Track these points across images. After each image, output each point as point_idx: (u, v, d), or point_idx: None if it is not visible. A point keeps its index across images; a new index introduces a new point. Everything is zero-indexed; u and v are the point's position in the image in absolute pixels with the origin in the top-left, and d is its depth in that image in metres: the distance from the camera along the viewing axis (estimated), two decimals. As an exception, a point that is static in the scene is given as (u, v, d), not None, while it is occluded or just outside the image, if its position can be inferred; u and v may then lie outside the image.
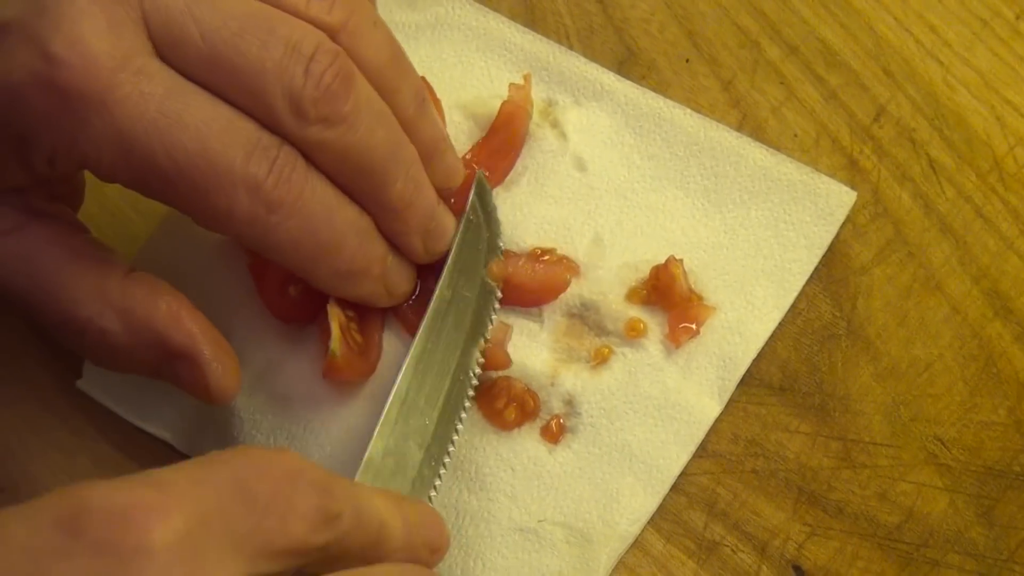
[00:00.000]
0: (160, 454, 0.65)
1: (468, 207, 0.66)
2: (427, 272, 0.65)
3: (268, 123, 0.56)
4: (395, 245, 0.63)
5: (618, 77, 0.72)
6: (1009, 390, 0.67)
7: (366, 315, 0.65)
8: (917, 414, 0.66)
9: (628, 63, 0.73)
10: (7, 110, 0.54)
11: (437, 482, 0.62)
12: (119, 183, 0.57)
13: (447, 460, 0.62)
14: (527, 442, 0.65)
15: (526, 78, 0.70)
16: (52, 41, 0.52)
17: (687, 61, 0.73)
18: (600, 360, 0.66)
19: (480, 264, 0.66)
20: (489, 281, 0.66)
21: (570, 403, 0.65)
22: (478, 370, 0.64)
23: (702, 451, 0.65)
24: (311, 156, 0.58)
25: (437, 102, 0.69)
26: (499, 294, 0.66)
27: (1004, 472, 0.65)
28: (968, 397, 0.67)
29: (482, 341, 0.65)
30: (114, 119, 0.53)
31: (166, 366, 0.60)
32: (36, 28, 0.53)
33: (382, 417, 0.60)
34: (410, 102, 0.62)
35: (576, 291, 0.67)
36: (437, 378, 0.63)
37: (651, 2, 0.75)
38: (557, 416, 0.65)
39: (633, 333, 0.66)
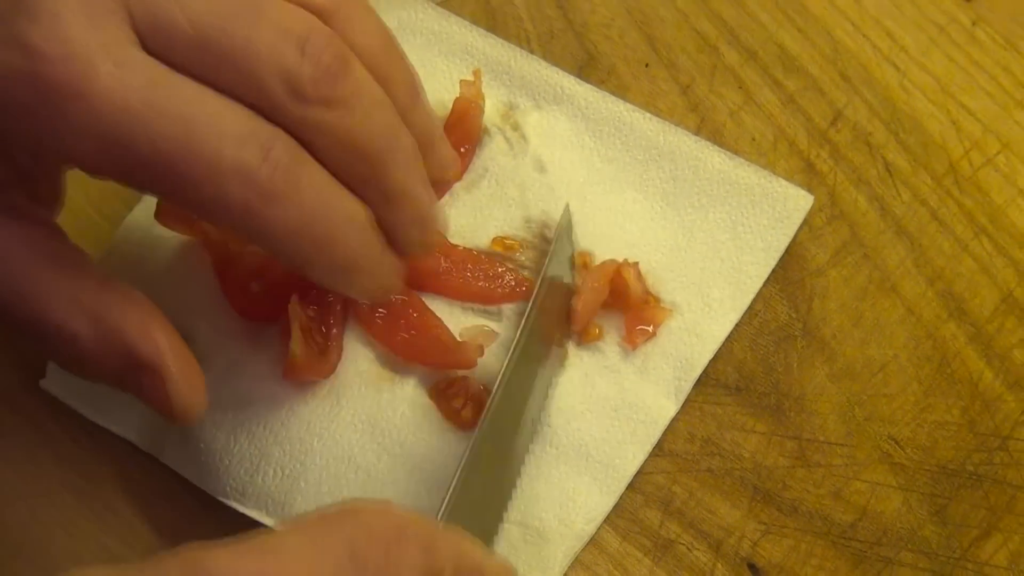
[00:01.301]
0: (123, 453, 0.66)
1: (555, 245, 0.66)
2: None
3: (263, 108, 0.55)
4: (389, 237, 0.60)
5: (578, 81, 0.72)
6: (963, 390, 0.67)
7: (327, 315, 0.65)
8: (871, 414, 0.67)
9: (588, 67, 0.74)
10: None
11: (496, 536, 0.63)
12: (106, 177, 0.55)
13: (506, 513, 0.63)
14: None
15: (476, 74, 0.71)
16: (31, 34, 0.51)
17: (646, 66, 0.74)
18: (559, 363, 0.67)
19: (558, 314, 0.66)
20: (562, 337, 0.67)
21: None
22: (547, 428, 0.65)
23: (658, 450, 0.66)
24: (308, 142, 0.56)
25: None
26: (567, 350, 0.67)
27: (957, 471, 0.66)
28: (922, 397, 0.67)
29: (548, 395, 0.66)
30: (96, 111, 0.52)
31: (131, 377, 0.58)
32: (14, 21, 0.52)
33: (466, 458, 0.60)
34: (404, 91, 0.60)
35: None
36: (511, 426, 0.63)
37: (611, 7, 0.75)
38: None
39: (588, 337, 0.67)
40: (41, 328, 0.57)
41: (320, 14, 0.56)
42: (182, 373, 0.58)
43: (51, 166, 0.57)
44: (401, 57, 0.61)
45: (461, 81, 0.71)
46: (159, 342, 0.57)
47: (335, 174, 0.57)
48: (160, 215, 0.66)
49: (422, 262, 0.66)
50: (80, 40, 0.52)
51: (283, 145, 0.54)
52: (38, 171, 0.57)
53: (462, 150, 0.70)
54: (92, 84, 0.52)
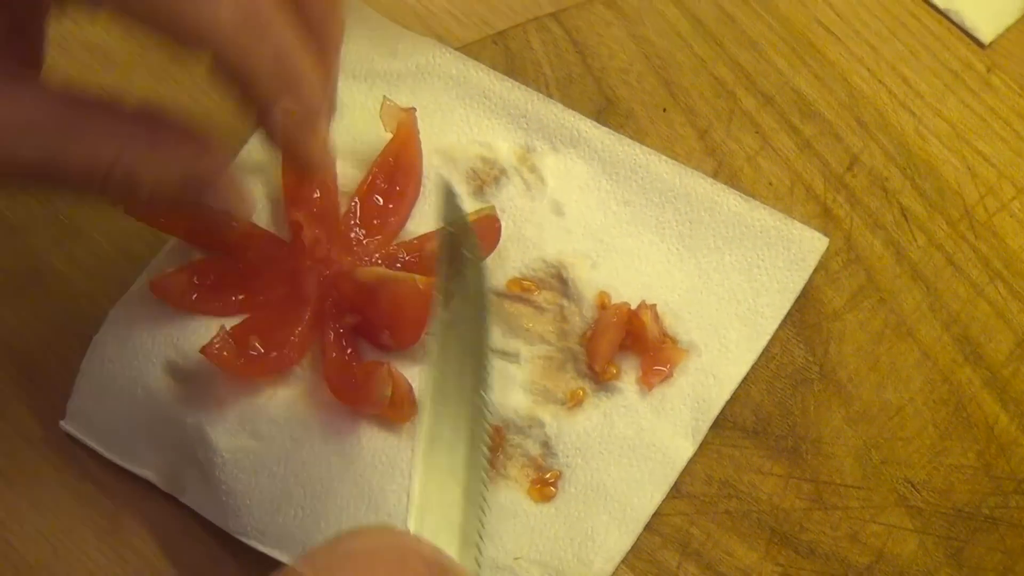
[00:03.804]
0: (145, 494, 0.66)
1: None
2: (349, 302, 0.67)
3: None
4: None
5: (595, 124, 0.73)
6: (978, 434, 0.69)
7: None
8: (888, 457, 0.68)
9: (606, 112, 0.75)
10: None
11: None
12: (104, 6, 0.53)
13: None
14: (504, 481, 0.66)
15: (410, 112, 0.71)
16: None
17: (664, 110, 0.76)
18: (576, 402, 0.67)
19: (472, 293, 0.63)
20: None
21: (546, 444, 0.66)
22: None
23: (676, 492, 0.66)
24: None
25: None
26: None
27: (973, 514, 0.67)
28: (938, 440, 0.68)
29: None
30: None
31: (194, 190, 0.57)
32: None
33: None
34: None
35: (552, 334, 0.69)
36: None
37: (629, 53, 0.77)
38: (547, 473, 0.66)
39: (606, 376, 0.68)
40: (97, 168, 0.56)
41: None
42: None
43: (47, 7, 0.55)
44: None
45: (402, 109, 0.71)
46: (219, 154, 0.57)
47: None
48: (157, 288, 0.67)
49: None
50: None
51: None
52: (27, 24, 0.57)
53: (396, 188, 0.71)
54: None
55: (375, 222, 0.70)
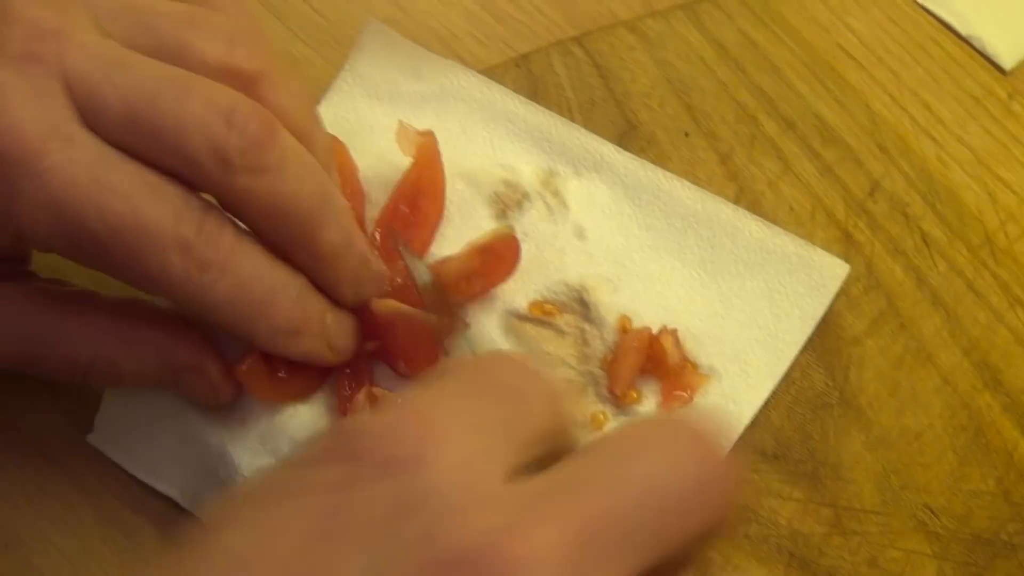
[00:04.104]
0: (165, 511, 0.67)
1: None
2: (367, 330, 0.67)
3: (193, 179, 0.57)
4: (321, 289, 0.63)
5: (618, 149, 0.74)
6: (998, 460, 0.69)
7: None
8: (907, 482, 0.68)
9: (628, 136, 0.75)
10: None
11: None
12: (56, 251, 0.58)
13: None
14: None
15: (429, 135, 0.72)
16: None
17: (686, 135, 0.76)
18: (596, 426, 0.68)
19: None
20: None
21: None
22: None
23: None
24: (240, 211, 0.59)
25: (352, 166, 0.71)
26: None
27: (992, 541, 0.67)
28: (957, 466, 0.69)
29: None
30: (46, 185, 0.54)
31: (171, 378, 0.63)
32: None
33: None
34: (324, 154, 0.63)
35: (573, 358, 0.69)
36: None
37: (652, 77, 0.78)
38: None
39: (627, 400, 0.68)
40: (78, 365, 0.61)
41: (249, 76, 0.59)
42: (217, 365, 0.63)
43: (3, 241, 0.58)
44: (319, 119, 0.64)
45: (419, 133, 0.72)
46: (196, 345, 0.63)
47: (270, 242, 0.60)
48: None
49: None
50: (29, 117, 0.54)
51: (214, 218, 0.58)
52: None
53: (419, 213, 0.71)
54: (43, 160, 0.54)
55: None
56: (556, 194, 0.73)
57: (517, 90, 0.76)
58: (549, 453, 0.47)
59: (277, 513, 0.44)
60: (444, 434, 0.44)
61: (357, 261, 0.63)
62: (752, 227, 0.72)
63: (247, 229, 0.60)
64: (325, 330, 0.63)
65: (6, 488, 0.67)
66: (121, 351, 0.62)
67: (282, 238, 0.60)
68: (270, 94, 0.60)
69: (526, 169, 0.74)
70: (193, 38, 0.59)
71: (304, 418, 0.67)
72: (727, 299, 0.71)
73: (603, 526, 0.43)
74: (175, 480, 0.67)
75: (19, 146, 0.54)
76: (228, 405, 0.65)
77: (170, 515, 0.67)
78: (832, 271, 0.72)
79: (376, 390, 0.65)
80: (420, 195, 0.71)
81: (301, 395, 0.67)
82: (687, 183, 0.73)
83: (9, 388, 0.68)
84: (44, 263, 0.65)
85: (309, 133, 0.62)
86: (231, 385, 0.65)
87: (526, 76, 0.77)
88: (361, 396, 0.65)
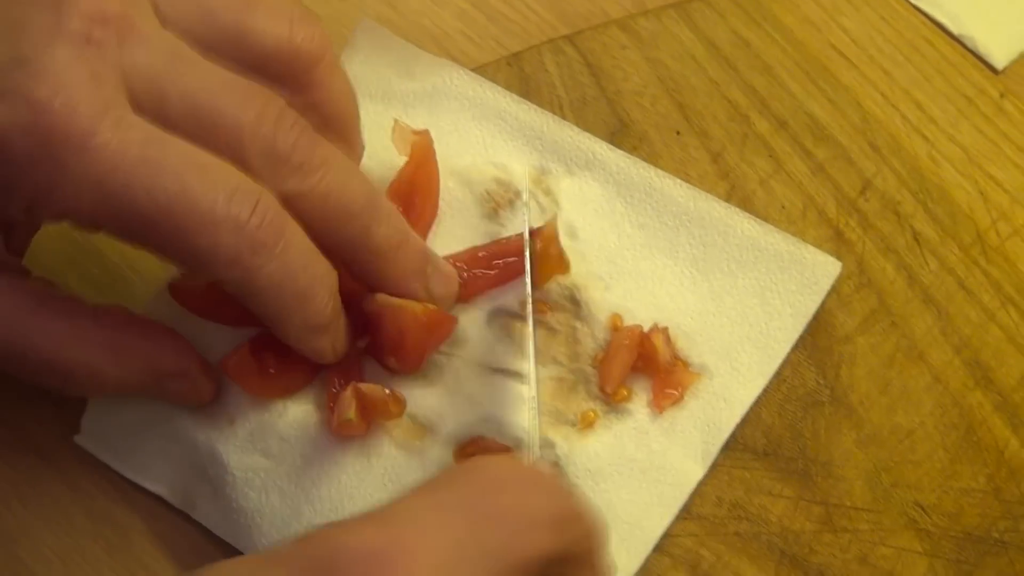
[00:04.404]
0: (156, 510, 0.67)
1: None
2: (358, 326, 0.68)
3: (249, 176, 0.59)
4: (392, 291, 0.65)
5: (610, 147, 0.74)
6: (988, 458, 0.69)
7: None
8: (898, 480, 0.68)
9: (620, 134, 0.76)
10: None
11: None
12: (101, 230, 0.58)
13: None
14: None
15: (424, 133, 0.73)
16: (36, 88, 0.54)
17: (678, 133, 0.76)
18: (587, 424, 0.68)
19: None
20: None
21: (556, 465, 0.67)
22: None
23: (686, 513, 0.67)
24: (292, 210, 0.59)
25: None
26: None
27: (983, 538, 0.67)
28: (948, 464, 0.69)
29: None
30: (94, 163, 0.55)
31: (156, 385, 0.64)
32: (18, 77, 0.54)
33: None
34: (361, 147, 0.66)
35: (564, 355, 0.69)
36: None
37: (643, 75, 0.78)
38: None
39: (618, 398, 0.68)
40: (58, 369, 0.61)
41: (307, 59, 0.61)
42: (202, 369, 0.64)
43: (46, 218, 0.59)
44: (358, 112, 0.66)
45: (415, 132, 0.72)
46: (180, 351, 0.64)
47: (320, 239, 0.61)
48: (176, 293, 0.68)
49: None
50: (83, 96, 0.55)
51: (268, 199, 0.58)
52: (25, 225, 0.61)
53: (413, 211, 0.72)
54: (94, 138, 0.55)
55: None
56: (548, 192, 0.73)
57: (509, 89, 0.76)
58: (547, 567, 0.48)
59: None
60: (419, 567, 0.44)
61: (418, 255, 0.66)
62: (744, 225, 0.72)
63: (293, 219, 0.61)
64: (338, 331, 0.65)
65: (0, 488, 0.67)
66: (104, 359, 0.62)
67: (337, 238, 0.62)
68: (327, 77, 0.62)
69: (518, 168, 0.74)
70: (253, 21, 0.60)
71: (293, 415, 0.67)
72: (719, 297, 0.71)
73: None
74: (164, 479, 0.67)
75: (69, 123, 0.54)
76: (209, 401, 0.66)
77: (161, 513, 0.67)
78: (824, 269, 0.72)
79: (364, 386, 0.65)
80: (415, 193, 0.71)
81: (289, 392, 0.67)
82: (679, 181, 0.73)
83: (1, 387, 0.68)
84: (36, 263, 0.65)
85: (353, 122, 0.64)
86: (214, 384, 0.66)
87: (518, 75, 0.77)
88: (348, 393, 0.65)
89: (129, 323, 0.63)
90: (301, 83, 0.61)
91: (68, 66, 0.55)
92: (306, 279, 0.60)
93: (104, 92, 0.55)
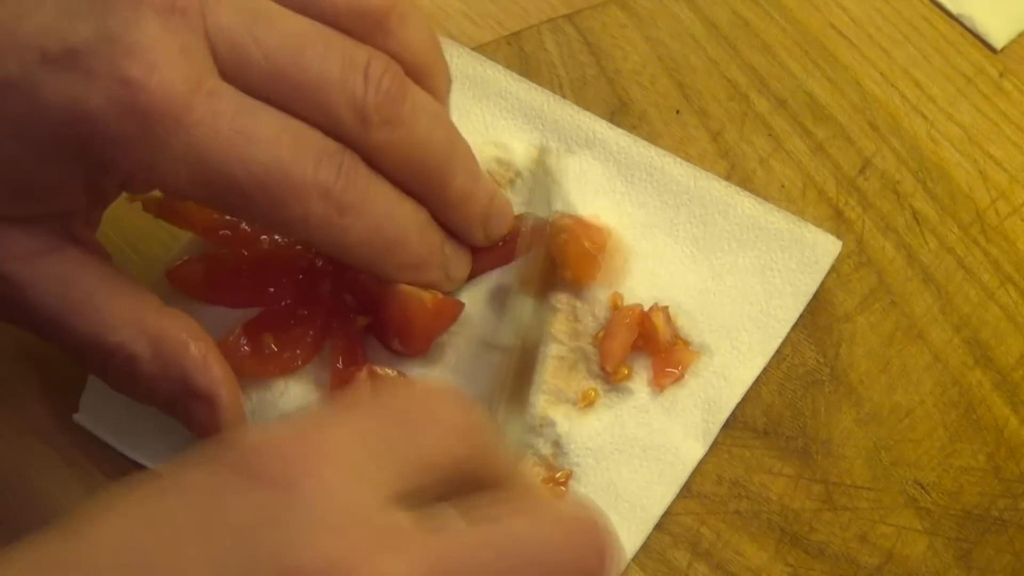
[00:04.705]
0: None
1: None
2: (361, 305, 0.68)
3: (333, 132, 0.60)
4: (459, 236, 0.67)
5: (609, 125, 0.74)
6: (988, 436, 0.69)
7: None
8: (898, 458, 0.69)
9: (620, 113, 0.76)
10: (85, 136, 0.56)
11: None
12: (197, 200, 0.60)
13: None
14: None
15: None
16: (128, 67, 0.55)
17: (677, 112, 0.77)
18: (587, 403, 0.68)
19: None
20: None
21: (557, 444, 0.67)
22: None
23: (687, 492, 0.67)
24: (374, 160, 0.61)
25: None
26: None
27: (982, 516, 0.68)
28: (948, 443, 0.69)
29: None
30: (191, 138, 0.56)
31: (183, 403, 0.62)
32: (110, 54, 0.55)
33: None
34: (447, 87, 0.66)
35: (565, 334, 0.70)
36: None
37: (643, 54, 0.78)
38: (557, 471, 0.67)
39: (618, 378, 0.69)
40: (100, 348, 0.61)
41: (377, 15, 0.62)
42: (232, 404, 0.63)
43: (141, 191, 0.61)
44: (442, 53, 0.66)
45: None
46: (216, 374, 0.62)
47: (399, 185, 0.63)
48: (151, 207, 0.68)
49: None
50: (176, 72, 0.56)
51: (350, 160, 0.60)
52: (104, 199, 0.61)
53: None
54: (189, 113, 0.56)
55: None
56: (548, 171, 0.73)
57: (509, 67, 0.76)
58: (461, 485, 0.49)
59: (152, 508, 0.45)
60: (325, 457, 0.45)
61: (486, 201, 0.67)
62: (744, 204, 0.73)
63: (374, 171, 0.62)
64: (445, 260, 0.66)
65: (0, 467, 0.68)
66: (148, 351, 0.62)
67: (415, 187, 0.63)
68: (400, 29, 0.62)
69: (518, 147, 0.74)
70: None
71: (295, 393, 0.67)
72: (719, 276, 0.72)
73: (454, 571, 0.44)
74: (163, 456, 0.67)
75: (166, 101, 0.55)
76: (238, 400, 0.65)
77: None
78: (824, 247, 0.72)
79: (378, 369, 0.66)
80: None
81: (287, 370, 0.68)
82: (679, 160, 0.74)
83: (0, 365, 0.69)
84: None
85: (434, 67, 0.65)
86: (238, 414, 0.64)
87: (517, 54, 0.78)
88: (363, 373, 0.65)
89: (185, 330, 0.63)
90: (375, 37, 0.62)
91: (158, 40, 0.56)
92: (394, 228, 0.62)
93: (195, 64, 0.57)
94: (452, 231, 0.67)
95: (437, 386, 0.53)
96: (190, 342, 0.62)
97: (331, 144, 0.60)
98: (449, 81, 0.67)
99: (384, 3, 0.62)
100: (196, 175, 0.57)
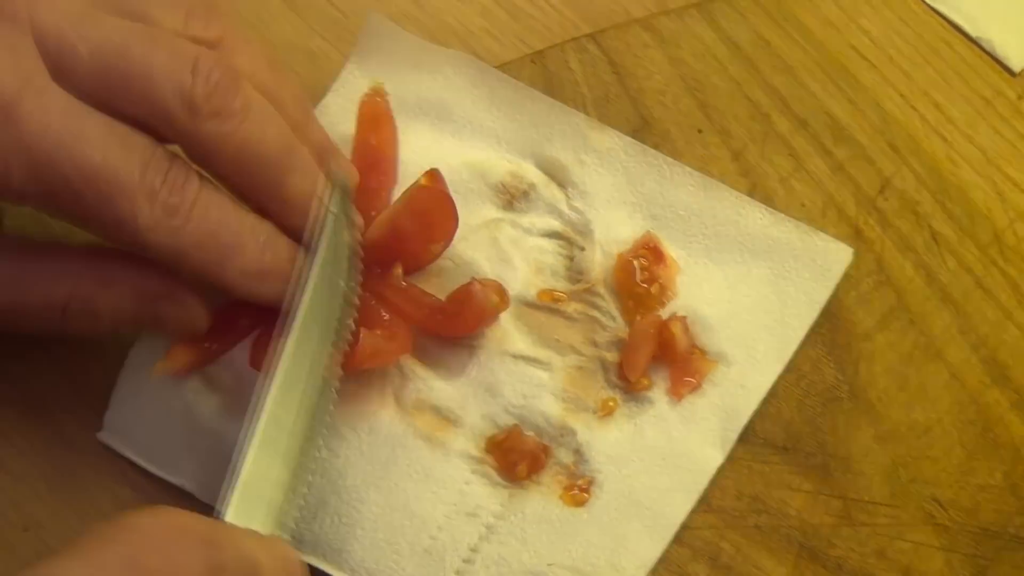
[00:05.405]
0: (182, 500, 0.68)
1: (327, 207, 0.67)
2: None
3: (161, 127, 0.61)
4: (300, 239, 0.66)
5: (618, 134, 0.76)
6: (1005, 455, 0.71)
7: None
8: (916, 475, 0.70)
9: (642, 132, 0.77)
10: None
11: (296, 512, 0.65)
12: (28, 202, 0.61)
13: (306, 489, 0.65)
14: (537, 488, 0.68)
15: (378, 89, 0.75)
16: None
17: (699, 131, 0.78)
18: (607, 412, 0.70)
19: (343, 269, 0.67)
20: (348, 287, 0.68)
21: (578, 452, 0.69)
22: (337, 383, 0.66)
23: (707, 506, 0.68)
24: (207, 155, 0.62)
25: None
26: (356, 302, 0.68)
27: (999, 533, 0.69)
28: (965, 460, 0.70)
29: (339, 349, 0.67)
30: (21, 133, 0.58)
31: (148, 311, 0.65)
32: None
33: (253, 438, 0.62)
34: (295, 108, 0.67)
35: (583, 344, 0.71)
36: (305, 395, 0.64)
37: (665, 74, 0.79)
38: (579, 479, 0.69)
39: (638, 387, 0.70)
40: (54, 307, 0.64)
41: (206, 44, 0.63)
42: (191, 292, 0.66)
43: None
44: (287, 77, 0.68)
45: (370, 89, 0.75)
46: (165, 274, 0.65)
47: (236, 190, 0.64)
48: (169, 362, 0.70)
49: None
50: (3, 69, 0.58)
51: (179, 167, 0.61)
52: None
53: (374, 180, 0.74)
54: (17, 107, 0.58)
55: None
56: (562, 184, 0.75)
57: (532, 86, 0.77)
58: None
59: None
60: None
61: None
62: (756, 214, 0.74)
63: (213, 180, 0.64)
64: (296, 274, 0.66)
65: (26, 472, 0.69)
66: (96, 287, 0.64)
67: (250, 185, 0.64)
68: (228, 59, 0.63)
69: (531, 159, 0.76)
70: (150, 10, 0.63)
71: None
72: (733, 286, 0.73)
73: None
74: (188, 472, 0.69)
75: None
76: (201, 330, 0.67)
77: (185, 503, 0.68)
78: (836, 255, 0.74)
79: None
80: (379, 158, 0.74)
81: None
82: (690, 170, 0.75)
83: (31, 376, 0.71)
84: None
85: (273, 90, 0.65)
86: (205, 309, 0.67)
87: (542, 72, 0.79)
88: (478, 288, 0.69)
89: (115, 254, 0.65)
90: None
91: None
92: (228, 234, 0.63)
93: (24, 63, 0.59)
94: (295, 234, 0.66)
95: (179, 520, 0.54)
96: (126, 262, 0.65)
97: (160, 150, 0.61)
98: (304, 102, 0.69)
99: (209, 35, 0.64)
100: (28, 171, 0.59)
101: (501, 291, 0.70)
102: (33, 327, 0.66)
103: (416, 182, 0.71)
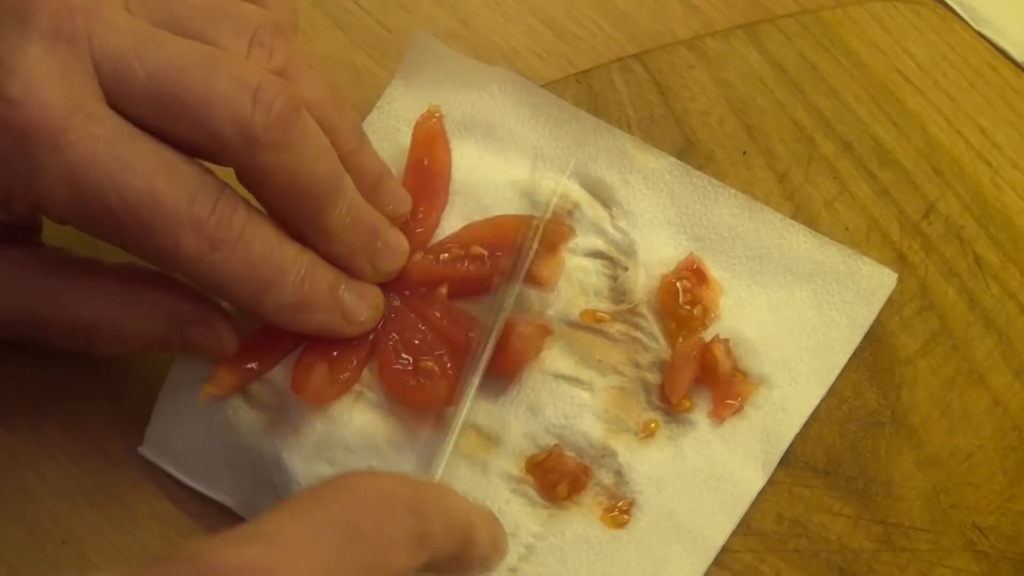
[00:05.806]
0: (219, 514, 0.69)
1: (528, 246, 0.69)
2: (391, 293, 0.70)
3: (216, 154, 0.62)
4: (346, 270, 0.67)
5: (662, 155, 0.76)
6: (1047, 482, 0.71)
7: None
8: (957, 501, 0.70)
9: (687, 153, 0.78)
10: None
11: None
12: (72, 224, 0.62)
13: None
14: (578, 508, 0.69)
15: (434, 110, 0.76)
16: (9, 86, 0.58)
17: (744, 153, 0.78)
18: (648, 433, 0.70)
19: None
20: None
21: (619, 473, 0.69)
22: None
23: (747, 529, 0.69)
24: (258, 185, 0.63)
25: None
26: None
27: (1040, 561, 0.69)
28: (1007, 487, 0.71)
29: None
30: (67, 160, 0.58)
31: (176, 335, 0.66)
32: None
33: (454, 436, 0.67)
34: (350, 137, 0.67)
35: (625, 365, 0.72)
36: None
37: (711, 95, 0.80)
38: (619, 500, 0.69)
39: (680, 409, 0.71)
40: (81, 327, 0.65)
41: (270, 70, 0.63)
42: (222, 317, 0.67)
43: (23, 211, 0.62)
44: (345, 106, 0.68)
45: (426, 111, 0.76)
46: (197, 298, 0.66)
47: (281, 219, 0.64)
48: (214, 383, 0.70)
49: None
50: (56, 93, 0.58)
51: (228, 198, 0.62)
52: (11, 218, 0.63)
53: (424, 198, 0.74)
54: (66, 135, 0.58)
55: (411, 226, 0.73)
56: (606, 204, 0.76)
57: (578, 106, 0.78)
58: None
59: None
60: None
61: (367, 234, 0.67)
62: (800, 237, 0.75)
63: (258, 208, 0.64)
64: (338, 303, 0.67)
65: (66, 486, 0.70)
66: (124, 310, 0.65)
67: (293, 214, 0.65)
68: (291, 87, 0.63)
69: (576, 178, 0.76)
70: (215, 35, 0.63)
71: (358, 424, 0.69)
72: (776, 308, 0.73)
73: None
74: (229, 489, 0.70)
75: (44, 120, 0.58)
76: (230, 353, 0.68)
77: (224, 518, 0.70)
78: (880, 280, 0.74)
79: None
80: (432, 178, 0.75)
81: (346, 391, 0.70)
82: (735, 192, 0.76)
83: (72, 391, 0.71)
84: (51, 234, 0.69)
85: (331, 122, 0.66)
86: (235, 334, 0.68)
87: (586, 92, 0.79)
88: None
89: (145, 276, 0.66)
90: None
91: (39, 63, 0.59)
92: (270, 268, 0.64)
93: (76, 87, 0.59)
94: (341, 266, 0.67)
95: (390, 485, 0.54)
96: (156, 284, 0.66)
97: (209, 179, 0.62)
98: (359, 131, 0.69)
99: (273, 64, 0.64)
100: (71, 196, 0.59)
101: (544, 332, 0.71)
102: (59, 344, 0.67)
103: None
